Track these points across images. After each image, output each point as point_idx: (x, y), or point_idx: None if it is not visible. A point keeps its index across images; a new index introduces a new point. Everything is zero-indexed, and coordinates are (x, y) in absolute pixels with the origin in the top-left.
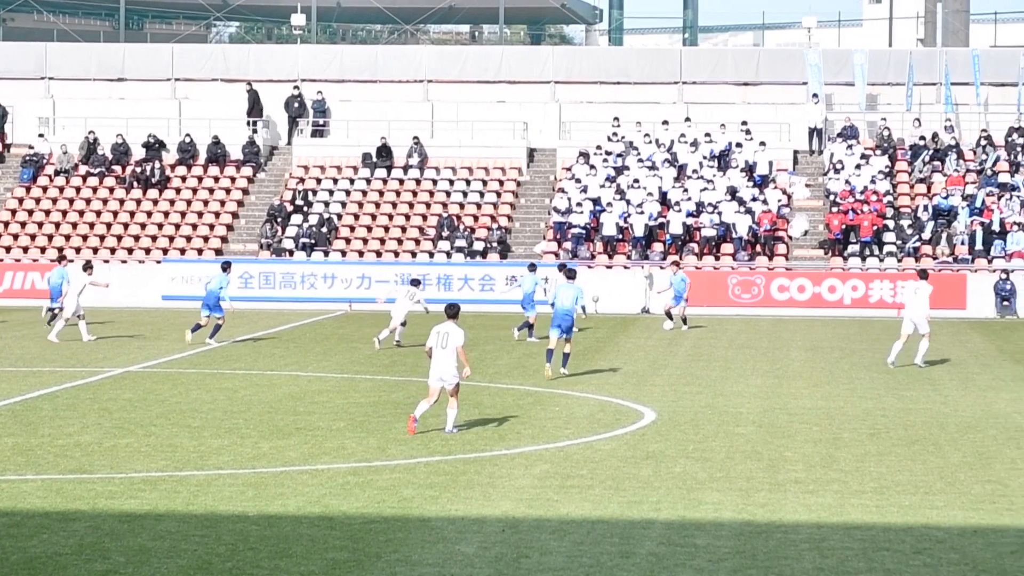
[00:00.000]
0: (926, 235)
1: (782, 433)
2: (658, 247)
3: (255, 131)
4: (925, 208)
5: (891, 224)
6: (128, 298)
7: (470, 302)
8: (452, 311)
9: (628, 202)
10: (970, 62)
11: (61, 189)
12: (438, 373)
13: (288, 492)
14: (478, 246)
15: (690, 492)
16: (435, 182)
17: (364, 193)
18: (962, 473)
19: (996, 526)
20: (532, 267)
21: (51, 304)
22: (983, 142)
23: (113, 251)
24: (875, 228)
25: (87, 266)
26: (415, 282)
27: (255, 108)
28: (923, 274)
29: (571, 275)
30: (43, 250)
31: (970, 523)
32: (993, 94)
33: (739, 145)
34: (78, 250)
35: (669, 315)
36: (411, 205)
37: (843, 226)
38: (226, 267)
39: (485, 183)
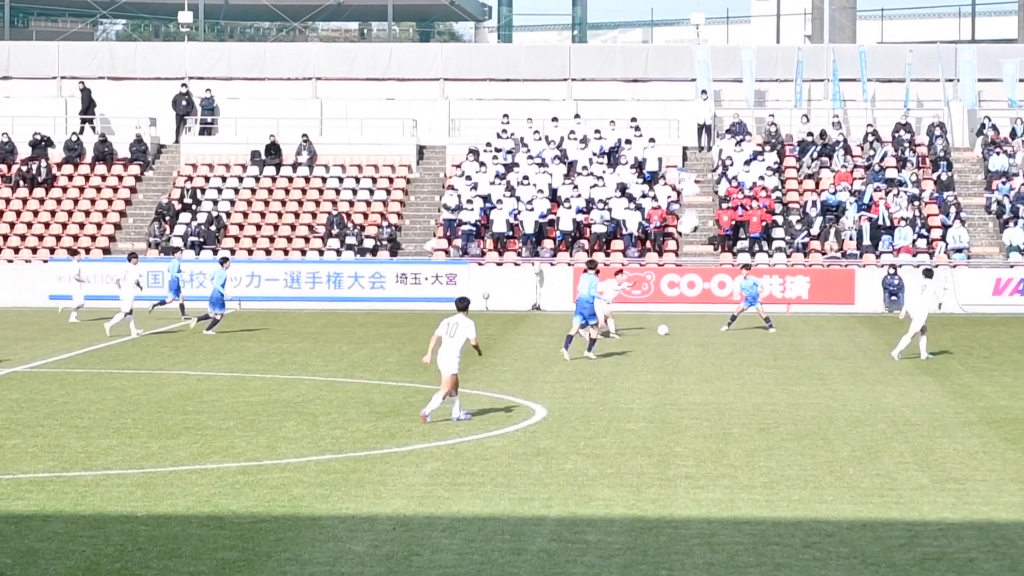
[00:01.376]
0: (815, 231)
1: (672, 429)
2: (548, 244)
3: (80, 131)
4: (813, 204)
5: (780, 220)
6: (14, 298)
7: (360, 300)
8: (463, 304)
9: (518, 199)
10: (857, 58)
11: None
12: (444, 359)
13: (177, 492)
14: (368, 244)
15: (581, 488)
16: (324, 180)
17: (253, 191)
18: (851, 467)
19: (884, 519)
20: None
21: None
22: (870, 138)
23: None
24: (764, 224)
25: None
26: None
27: (89, 108)
28: (928, 273)
29: (592, 266)
30: None
31: (859, 517)
32: (880, 90)
33: (628, 142)
34: None
35: (734, 317)
36: (300, 203)
37: (732, 222)
38: (223, 262)
39: (375, 181)
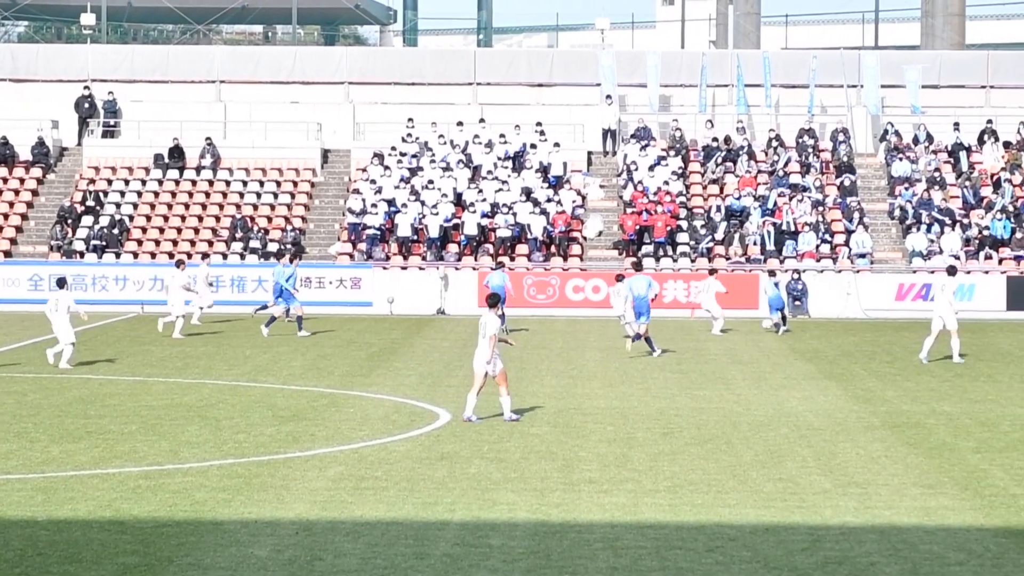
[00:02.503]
0: (719, 235)
1: (576, 433)
2: (453, 248)
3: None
4: (718, 209)
5: (684, 225)
6: None
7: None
8: (493, 300)
9: (423, 203)
10: (761, 64)
11: None
12: (482, 359)
13: (78, 496)
14: (272, 247)
15: (485, 493)
16: (228, 183)
17: (156, 194)
18: (754, 471)
19: (787, 524)
20: (638, 266)
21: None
22: (774, 143)
23: None
24: (669, 229)
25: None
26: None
27: None
28: (951, 270)
29: (638, 267)
30: None
31: (762, 521)
32: (784, 96)
33: (533, 146)
34: None
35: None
36: (204, 206)
37: (637, 227)
38: (293, 257)
39: (279, 184)
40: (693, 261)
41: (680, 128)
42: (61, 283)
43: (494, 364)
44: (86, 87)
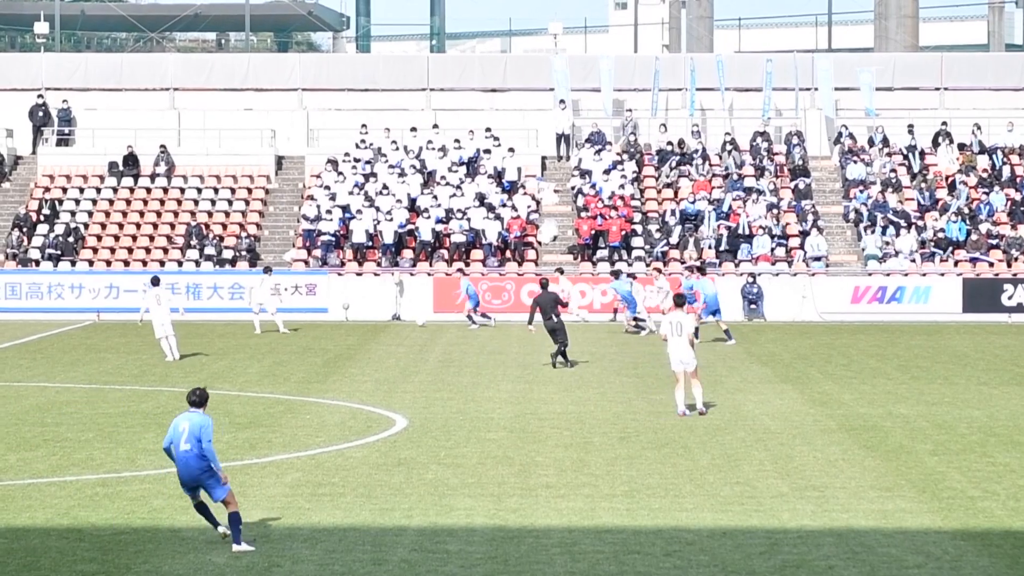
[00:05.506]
0: (674, 239)
1: (533, 438)
2: (408, 254)
3: None
4: (673, 213)
5: (639, 229)
6: None
7: (219, 311)
8: (680, 300)
9: (377, 209)
10: (715, 68)
11: None
12: (678, 357)
13: (36, 504)
14: (227, 254)
15: (442, 498)
16: (183, 190)
17: (111, 202)
18: (711, 475)
19: (744, 527)
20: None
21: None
22: (728, 147)
23: None
24: (623, 233)
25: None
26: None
27: None
28: None
29: (703, 271)
30: None
31: (719, 525)
32: (738, 99)
33: (487, 151)
34: None
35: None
36: (159, 214)
37: (592, 231)
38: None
39: (233, 191)
40: (648, 265)
41: (635, 132)
42: (156, 281)
43: (690, 361)
44: (40, 95)
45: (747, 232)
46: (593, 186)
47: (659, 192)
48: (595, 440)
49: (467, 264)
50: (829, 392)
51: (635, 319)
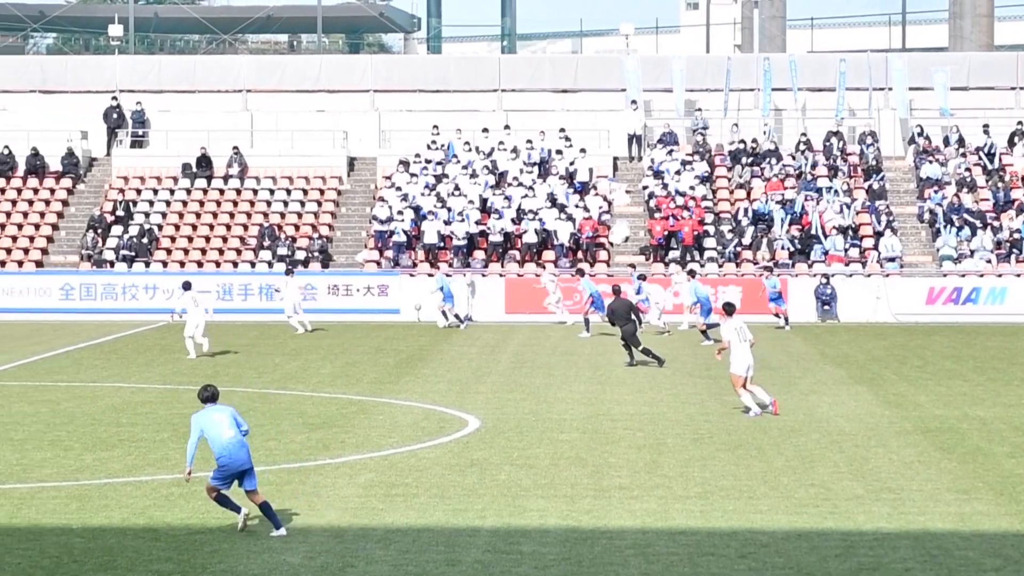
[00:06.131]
0: (746, 240)
1: (606, 439)
2: (479, 255)
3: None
4: (745, 213)
5: (711, 230)
6: None
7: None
8: (732, 309)
9: (449, 210)
10: (787, 68)
11: None
12: (748, 362)
13: (112, 504)
14: (300, 255)
15: (515, 499)
16: (255, 192)
17: (184, 203)
18: (785, 477)
19: (820, 529)
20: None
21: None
22: (802, 147)
23: None
24: (696, 234)
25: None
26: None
27: None
28: None
29: (770, 270)
30: None
31: (794, 527)
32: (811, 99)
33: (559, 152)
34: None
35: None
36: (232, 215)
37: (664, 232)
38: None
39: (305, 192)
40: (720, 266)
41: (704, 132)
42: (187, 286)
43: (753, 364)
44: (114, 98)
45: (820, 233)
46: (665, 187)
47: (731, 192)
48: (668, 442)
49: (539, 265)
50: (904, 394)
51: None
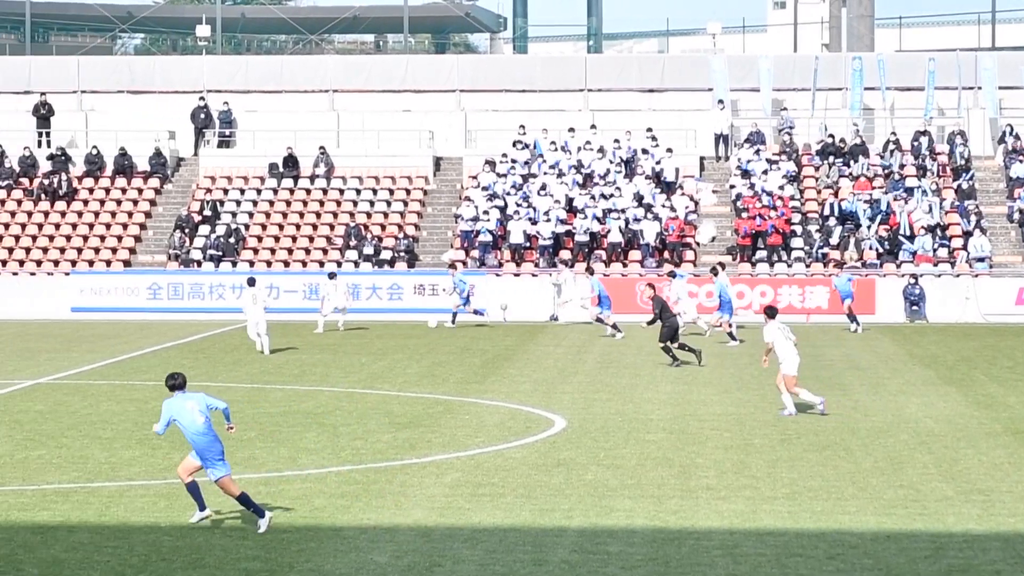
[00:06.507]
0: (834, 240)
1: (693, 439)
2: (565, 254)
3: (38, 145)
4: (832, 213)
5: (799, 229)
6: (37, 310)
7: (378, 311)
8: (774, 312)
9: (535, 209)
10: (876, 67)
11: None
12: (797, 362)
13: None
14: (385, 255)
15: (602, 499)
16: (342, 191)
17: (271, 203)
18: (874, 478)
19: (909, 531)
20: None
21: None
22: (891, 146)
23: (22, 263)
24: (783, 233)
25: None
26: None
27: (47, 120)
28: None
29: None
30: None
31: (883, 528)
32: (899, 98)
33: (645, 152)
34: None
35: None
36: (318, 215)
37: (751, 232)
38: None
39: (392, 192)
40: (808, 266)
41: (791, 132)
42: (252, 282)
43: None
44: (201, 98)
45: (909, 233)
46: (752, 186)
47: (819, 192)
48: (755, 442)
49: (625, 265)
50: (994, 395)
51: (597, 318)
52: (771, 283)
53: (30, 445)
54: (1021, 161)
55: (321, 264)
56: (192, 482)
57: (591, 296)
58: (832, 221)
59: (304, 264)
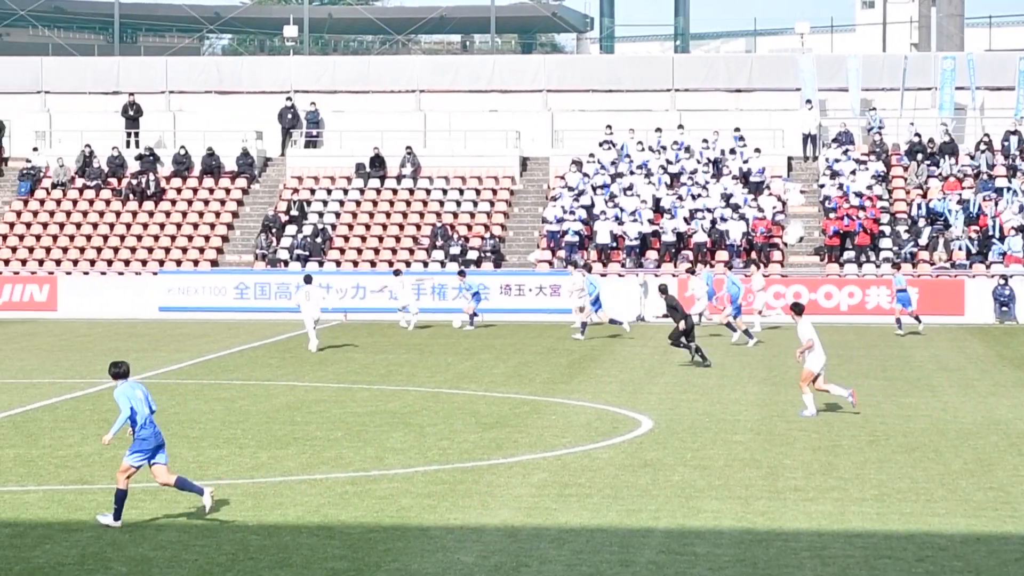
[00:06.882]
0: (923, 240)
1: (780, 440)
2: (652, 255)
3: (127, 145)
4: (921, 213)
5: (887, 230)
6: (125, 310)
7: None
8: (801, 308)
9: (621, 209)
10: (965, 66)
11: (58, 202)
12: (823, 360)
13: (287, 502)
14: (472, 255)
15: (689, 500)
16: (428, 191)
17: (358, 203)
18: (964, 480)
19: (999, 533)
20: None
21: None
22: (982, 146)
23: (110, 263)
24: (871, 234)
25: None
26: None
27: (135, 120)
28: None
29: (897, 268)
30: (41, 263)
31: (973, 530)
32: (989, 98)
33: (733, 152)
34: (75, 263)
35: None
36: (404, 215)
37: (839, 232)
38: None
39: (478, 192)
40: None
41: (881, 132)
42: (308, 279)
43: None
44: (289, 98)
45: (999, 233)
46: (841, 187)
47: (907, 192)
48: (843, 443)
49: (711, 265)
50: None
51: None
52: (859, 284)
53: (118, 444)
54: None
55: (408, 264)
56: (179, 479)
57: (586, 295)
58: (921, 222)
59: (390, 264)
